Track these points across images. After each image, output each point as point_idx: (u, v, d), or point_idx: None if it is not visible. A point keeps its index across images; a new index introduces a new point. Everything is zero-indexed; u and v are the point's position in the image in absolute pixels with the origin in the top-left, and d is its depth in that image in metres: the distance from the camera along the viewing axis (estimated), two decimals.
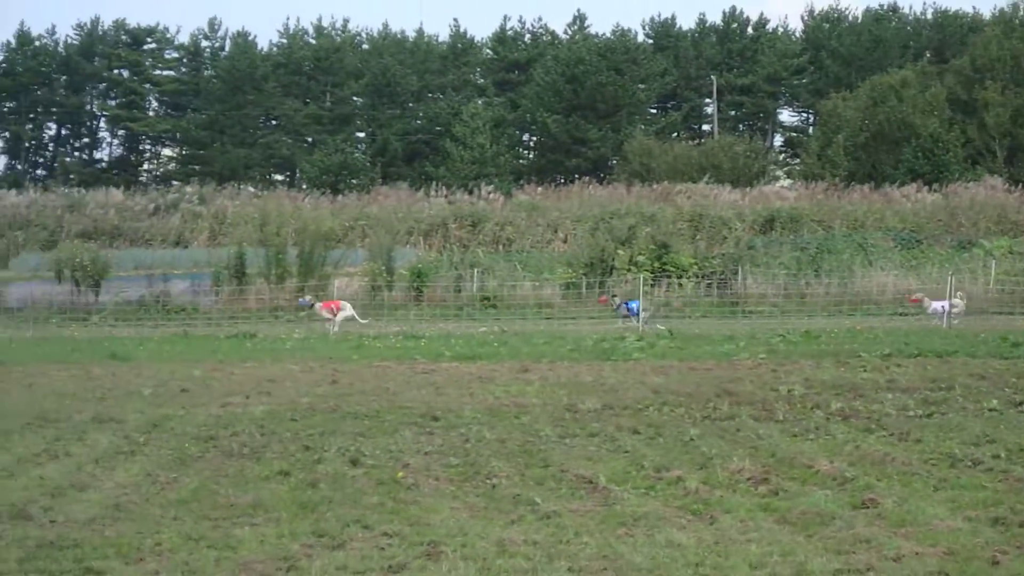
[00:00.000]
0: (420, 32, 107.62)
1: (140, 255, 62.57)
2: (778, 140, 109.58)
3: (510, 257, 58.67)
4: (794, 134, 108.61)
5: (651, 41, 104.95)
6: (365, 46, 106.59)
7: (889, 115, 79.91)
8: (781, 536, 10.16)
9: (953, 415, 16.96)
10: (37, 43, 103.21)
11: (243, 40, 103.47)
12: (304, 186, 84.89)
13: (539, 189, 78.67)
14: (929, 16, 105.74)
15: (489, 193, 74.08)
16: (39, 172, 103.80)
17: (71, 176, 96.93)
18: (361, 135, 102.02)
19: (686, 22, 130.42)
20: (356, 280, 49.23)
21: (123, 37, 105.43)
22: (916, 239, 61.38)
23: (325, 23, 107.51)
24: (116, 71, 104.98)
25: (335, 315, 37.50)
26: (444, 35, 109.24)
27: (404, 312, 43.94)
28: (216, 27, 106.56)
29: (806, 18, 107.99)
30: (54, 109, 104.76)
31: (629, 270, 46.83)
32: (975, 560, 9.30)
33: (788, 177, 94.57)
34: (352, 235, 64.73)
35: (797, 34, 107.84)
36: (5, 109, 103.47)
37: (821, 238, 60.91)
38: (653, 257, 48.46)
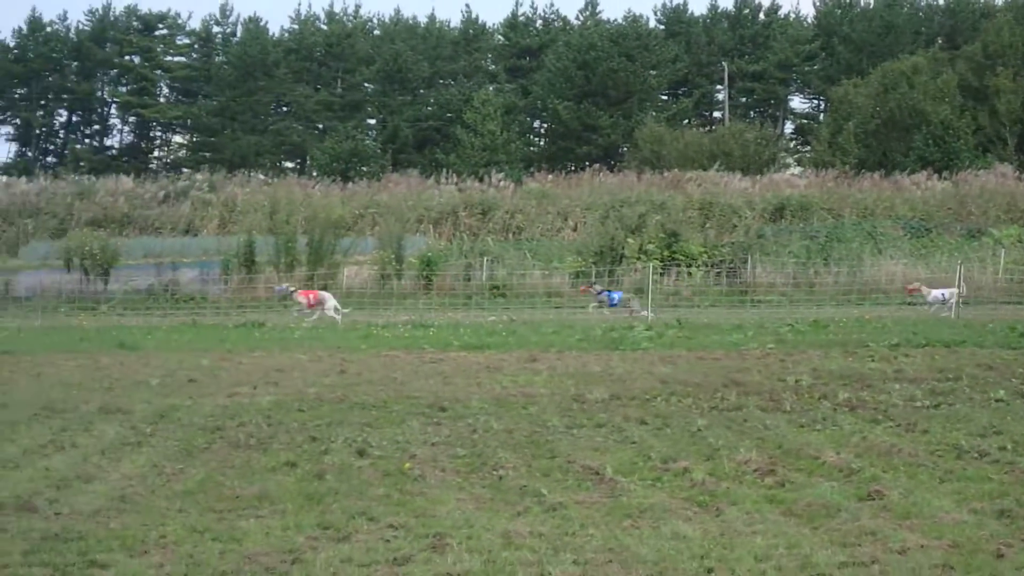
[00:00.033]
0: (432, 18, 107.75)
1: (149, 243, 62.63)
2: (789, 127, 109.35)
3: (520, 245, 58.70)
4: (805, 121, 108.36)
5: (663, 27, 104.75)
6: (377, 32, 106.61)
7: (900, 102, 79.67)
8: (787, 528, 10.14)
9: (960, 406, 16.93)
10: (48, 29, 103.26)
11: (255, 26, 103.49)
12: (314, 173, 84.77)
13: (549, 177, 78.59)
14: (941, 2, 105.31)
15: (499, 181, 74.01)
16: (49, 159, 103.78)
17: (81, 163, 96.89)
18: (372, 122, 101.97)
19: (698, 8, 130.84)
20: (366, 268, 49.25)
21: (135, 23, 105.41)
22: (926, 227, 61.34)
23: (337, 9, 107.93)
24: (127, 57, 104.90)
25: (313, 305, 37.53)
26: (456, 21, 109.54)
27: (413, 301, 43.97)
28: (228, 13, 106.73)
29: (818, 4, 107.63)
30: (65, 96, 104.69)
31: (639, 258, 46.86)
32: (980, 553, 9.27)
33: (798, 164, 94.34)
34: (362, 223, 64.79)
35: (809, 20, 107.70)
36: (16, 96, 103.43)
37: (831, 227, 60.90)
38: (663, 246, 48.49)
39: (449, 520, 10.50)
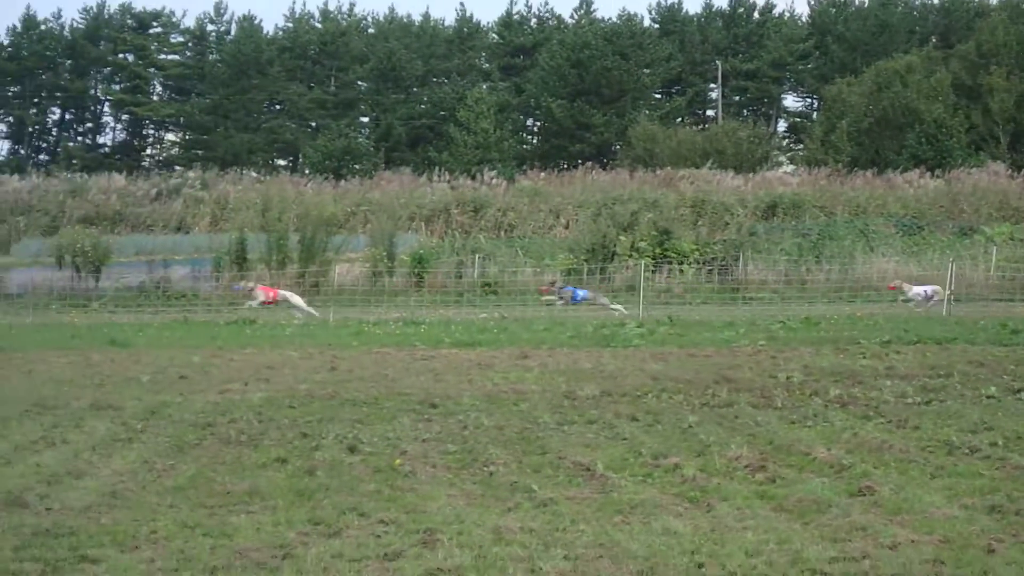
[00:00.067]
0: (426, 16, 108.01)
1: (141, 241, 62.59)
2: (782, 125, 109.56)
3: (512, 243, 58.76)
4: (798, 119, 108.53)
5: (657, 26, 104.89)
6: (371, 30, 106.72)
7: (893, 100, 79.88)
8: (778, 524, 10.14)
9: (951, 402, 16.93)
10: (43, 27, 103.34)
11: (249, 24, 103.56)
12: (307, 171, 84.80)
13: (542, 174, 78.66)
14: (935, 1, 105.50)
15: (492, 179, 74.04)
16: (42, 157, 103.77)
17: (74, 161, 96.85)
18: (365, 120, 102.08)
19: (692, 7, 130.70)
20: (357, 266, 49.24)
21: (129, 21, 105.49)
22: (918, 225, 61.45)
23: (331, 7, 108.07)
24: (121, 55, 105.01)
25: (270, 301, 37.79)
26: (450, 19, 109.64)
27: (405, 298, 43.92)
28: (222, 11, 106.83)
29: (812, 3, 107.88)
30: (58, 94, 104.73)
31: (631, 256, 46.86)
32: (971, 548, 9.27)
33: (791, 163, 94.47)
34: (354, 221, 64.79)
35: (803, 19, 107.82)
36: (9, 93, 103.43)
37: (823, 224, 60.99)
38: (655, 243, 48.49)
39: (440, 516, 10.49)
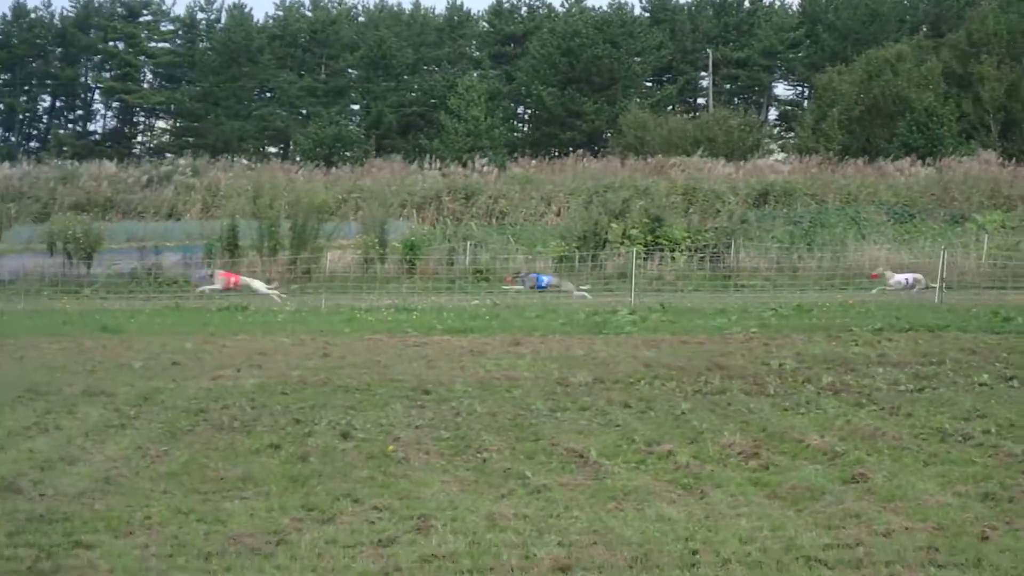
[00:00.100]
0: (416, 4, 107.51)
1: (133, 227, 62.33)
2: (773, 114, 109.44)
3: (503, 230, 58.68)
4: (789, 108, 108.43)
5: (647, 14, 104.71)
6: (361, 18, 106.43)
7: (884, 89, 79.81)
8: (771, 511, 10.16)
9: (944, 390, 16.97)
10: (33, 15, 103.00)
11: (239, 12, 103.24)
12: (298, 158, 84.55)
13: (533, 162, 78.47)
14: None
15: (483, 166, 73.89)
16: (32, 144, 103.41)
17: (64, 148, 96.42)
18: (356, 107, 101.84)
19: None
20: (349, 253, 49.15)
21: (119, 9, 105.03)
22: (909, 213, 61.44)
23: None
24: (111, 43, 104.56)
25: (230, 287, 38.04)
26: (440, 8, 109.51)
27: (396, 285, 43.86)
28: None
29: None
30: (49, 81, 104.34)
31: (622, 243, 46.82)
32: (964, 535, 9.30)
33: (782, 151, 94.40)
34: (345, 208, 64.60)
35: (793, 8, 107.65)
36: (0, 81, 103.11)
37: (814, 212, 60.98)
38: (646, 230, 48.43)
39: (433, 502, 10.51)
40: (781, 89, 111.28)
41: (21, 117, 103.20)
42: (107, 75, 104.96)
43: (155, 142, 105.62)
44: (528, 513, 10.09)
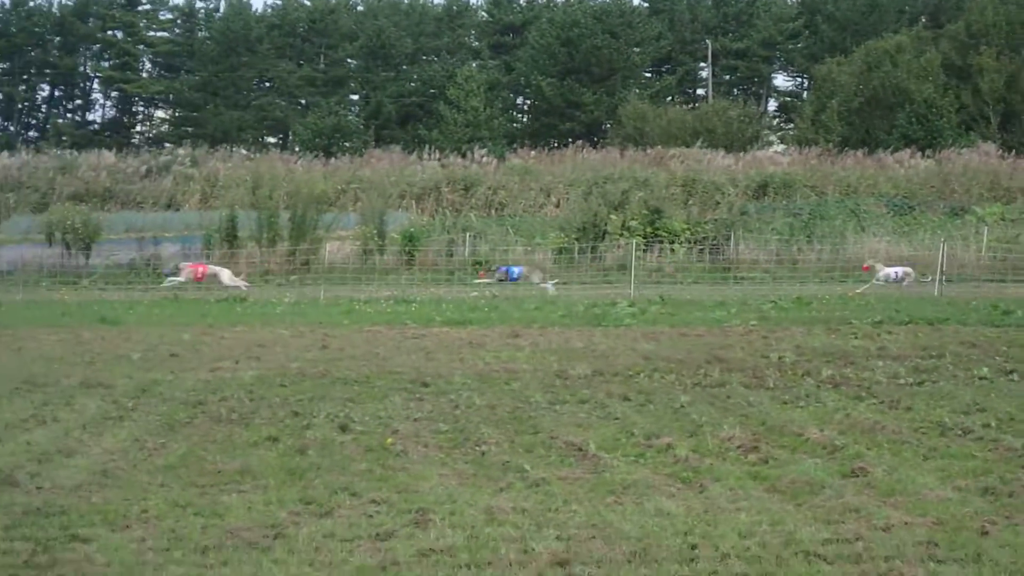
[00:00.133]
0: None
1: (131, 218, 62.25)
2: (772, 105, 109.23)
3: (502, 221, 58.63)
4: (788, 99, 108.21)
5: (647, 4, 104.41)
6: (360, 8, 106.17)
7: (883, 80, 79.67)
8: (770, 505, 10.14)
9: (944, 383, 16.94)
10: (31, 4, 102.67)
11: (238, 1, 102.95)
12: (297, 149, 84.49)
13: (532, 153, 78.34)
14: None
15: (482, 157, 73.80)
16: (31, 134, 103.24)
17: (63, 138, 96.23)
18: (355, 98, 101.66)
19: None
20: (348, 244, 49.12)
21: None
22: (909, 205, 61.36)
23: None
24: (110, 32, 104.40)
25: (200, 278, 38.14)
26: None
27: (395, 276, 43.87)
28: None
29: None
30: (47, 71, 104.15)
31: (621, 235, 46.79)
32: (964, 530, 9.26)
33: (782, 142, 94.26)
34: (344, 198, 64.50)
35: None
36: None
37: (814, 204, 60.90)
38: (646, 222, 48.40)
39: (432, 495, 10.48)
40: (780, 80, 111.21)
41: (20, 106, 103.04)
42: (106, 64, 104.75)
43: (154, 132, 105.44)
44: (527, 507, 10.06)
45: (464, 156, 74.27)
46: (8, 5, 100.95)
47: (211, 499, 10.42)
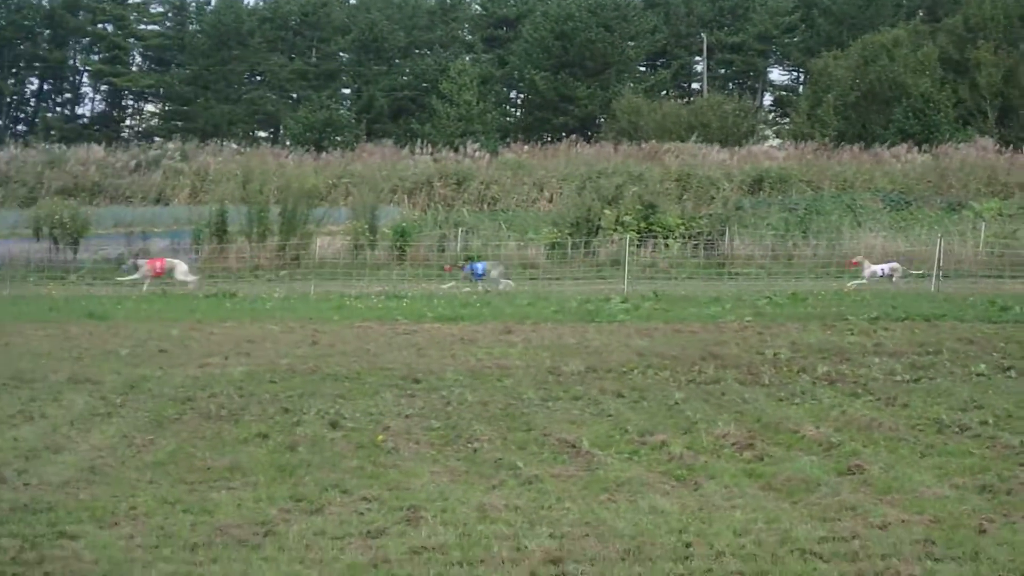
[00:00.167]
0: None
1: (120, 212, 62.05)
2: (768, 99, 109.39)
3: (495, 216, 58.54)
4: (784, 93, 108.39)
5: None
6: (352, 1, 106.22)
7: (880, 74, 79.69)
8: (766, 502, 10.08)
9: (941, 380, 16.89)
10: None
11: None
12: (288, 143, 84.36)
13: (525, 147, 78.19)
14: None
15: (475, 151, 73.70)
16: (20, 128, 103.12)
17: (52, 132, 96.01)
18: (347, 91, 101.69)
19: None
20: (339, 238, 48.97)
21: None
22: (905, 200, 61.29)
23: None
24: (100, 25, 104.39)
25: (159, 273, 38.13)
26: None
27: (387, 272, 43.71)
28: None
29: None
30: (36, 64, 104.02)
31: (615, 230, 46.66)
32: (962, 528, 9.22)
33: (777, 137, 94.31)
34: (335, 193, 64.39)
35: None
36: None
37: (810, 199, 60.79)
38: (640, 217, 48.27)
39: (423, 493, 10.43)
40: (776, 74, 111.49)
41: (8, 100, 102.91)
42: (96, 58, 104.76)
43: (144, 126, 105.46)
44: (519, 504, 10.01)
45: (456, 150, 74.13)
46: None
47: (200, 496, 10.37)
